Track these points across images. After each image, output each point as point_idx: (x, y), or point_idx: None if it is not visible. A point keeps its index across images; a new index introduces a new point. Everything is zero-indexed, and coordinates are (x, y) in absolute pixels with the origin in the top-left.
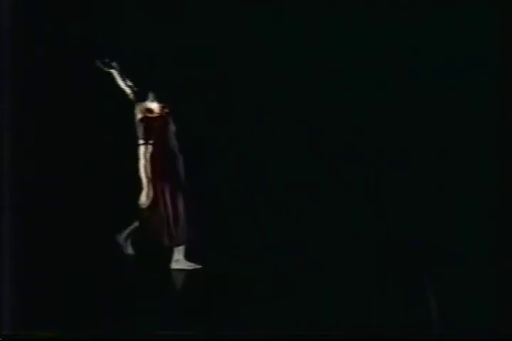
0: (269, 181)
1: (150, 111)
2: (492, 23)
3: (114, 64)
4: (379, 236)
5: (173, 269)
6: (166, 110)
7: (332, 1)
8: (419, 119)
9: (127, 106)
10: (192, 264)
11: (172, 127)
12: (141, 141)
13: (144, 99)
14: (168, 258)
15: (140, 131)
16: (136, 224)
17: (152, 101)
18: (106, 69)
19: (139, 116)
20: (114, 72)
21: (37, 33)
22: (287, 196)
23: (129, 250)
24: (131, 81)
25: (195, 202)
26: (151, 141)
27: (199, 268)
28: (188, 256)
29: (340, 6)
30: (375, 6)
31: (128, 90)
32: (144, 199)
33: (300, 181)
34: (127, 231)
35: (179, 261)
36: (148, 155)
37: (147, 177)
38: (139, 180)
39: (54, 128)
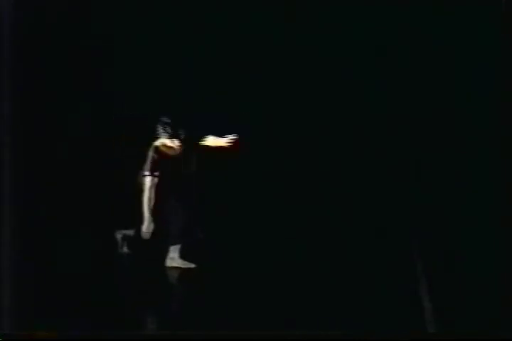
0: (265, 180)
1: (166, 147)
2: (492, 23)
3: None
4: (378, 236)
5: (168, 267)
6: (179, 145)
7: (333, 2)
8: (419, 119)
9: (127, 106)
10: (186, 263)
11: (187, 159)
12: (146, 172)
13: (160, 134)
14: (164, 255)
15: (148, 162)
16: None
17: (168, 137)
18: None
19: (153, 148)
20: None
21: (37, 32)
22: (284, 196)
23: (125, 249)
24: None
25: (196, 202)
26: (156, 173)
27: (193, 267)
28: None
29: (341, 6)
30: (375, 5)
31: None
32: (145, 231)
33: (298, 181)
34: (126, 232)
35: (174, 259)
36: (153, 188)
37: (150, 209)
38: (140, 209)
39: (54, 128)
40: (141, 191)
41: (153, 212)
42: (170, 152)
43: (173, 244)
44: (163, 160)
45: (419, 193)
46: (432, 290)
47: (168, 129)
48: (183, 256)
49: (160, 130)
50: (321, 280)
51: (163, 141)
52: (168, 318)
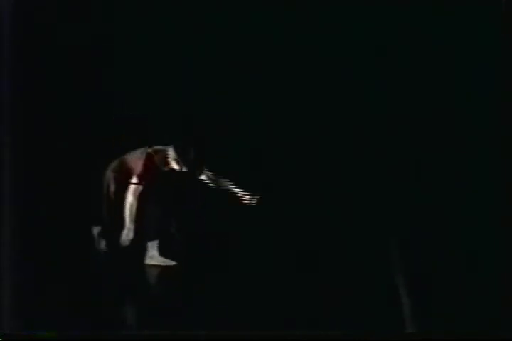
0: (263, 179)
1: (167, 163)
2: (492, 23)
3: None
4: (378, 236)
5: (148, 265)
6: (181, 168)
7: (333, 2)
8: (419, 119)
9: (127, 106)
10: (167, 260)
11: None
12: (134, 180)
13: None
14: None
15: (140, 169)
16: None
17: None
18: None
19: (148, 155)
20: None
21: (37, 32)
22: (281, 195)
23: (102, 245)
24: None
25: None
26: (144, 182)
27: (173, 265)
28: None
29: (341, 6)
30: (375, 5)
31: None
32: (124, 239)
33: (297, 180)
34: (101, 228)
35: (154, 256)
36: (137, 194)
37: (131, 218)
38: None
39: (54, 128)
40: (107, 191)
41: (135, 220)
42: (165, 167)
43: (150, 240)
44: (155, 170)
45: (419, 193)
46: (431, 290)
47: (187, 160)
48: (162, 253)
49: (175, 154)
50: (320, 280)
51: (167, 152)
52: (167, 318)
